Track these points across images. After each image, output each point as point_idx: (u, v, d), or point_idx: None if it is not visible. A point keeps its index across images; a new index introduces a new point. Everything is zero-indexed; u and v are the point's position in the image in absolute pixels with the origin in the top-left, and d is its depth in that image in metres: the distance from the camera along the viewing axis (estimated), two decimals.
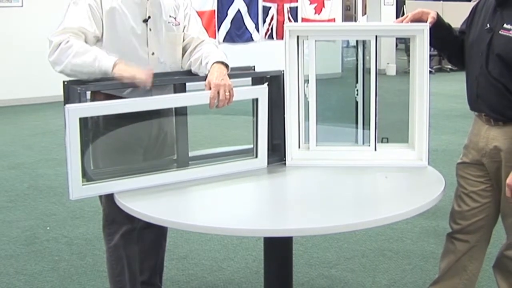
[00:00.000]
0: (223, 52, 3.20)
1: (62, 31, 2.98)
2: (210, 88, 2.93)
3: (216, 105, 2.93)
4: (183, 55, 3.31)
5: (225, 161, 3.17)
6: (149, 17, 3.14)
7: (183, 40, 3.30)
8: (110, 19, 3.06)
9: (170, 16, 3.21)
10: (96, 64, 2.87)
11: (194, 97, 3.00)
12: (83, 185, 2.79)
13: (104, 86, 2.96)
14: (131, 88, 2.98)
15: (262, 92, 3.08)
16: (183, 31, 3.28)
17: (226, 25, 13.92)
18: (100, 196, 3.21)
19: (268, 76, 3.17)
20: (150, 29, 3.15)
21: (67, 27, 2.99)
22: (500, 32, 2.96)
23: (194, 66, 3.20)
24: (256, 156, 3.17)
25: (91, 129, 2.90)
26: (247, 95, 3.08)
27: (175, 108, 3.08)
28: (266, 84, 3.10)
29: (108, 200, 3.05)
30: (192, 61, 3.23)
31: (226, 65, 3.08)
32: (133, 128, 3.10)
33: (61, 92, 2.88)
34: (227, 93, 2.94)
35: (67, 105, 2.70)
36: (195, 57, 3.22)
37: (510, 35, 2.91)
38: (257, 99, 3.08)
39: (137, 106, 2.90)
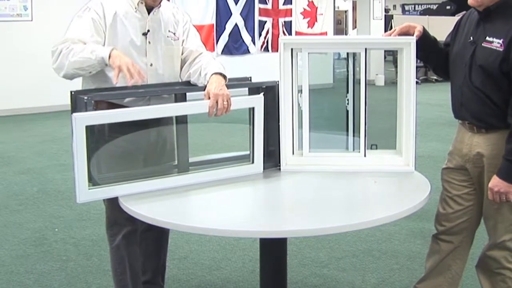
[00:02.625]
0: (221, 63, 3.21)
1: (64, 40, 3.02)
2: (209, 98, 2.94)
3: (215, 113, 2.94)
4: (182, 67, 3.32)
5: (223, 166, 3.17)
6: (148, 31, 3.16)
7: (183, 53, 3.31)
8: (112, 31, 3.09)
9: (169, 31, 3.24)
10: (93, 56, 2.91)
11: (194, 106, 3.00)
12: (89, 189, 2.78)
13: (109, 96, 2.96)
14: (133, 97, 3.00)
15: (258, 101, 3.09)
16: (182, 45, 3.30)
17: (224, 38, 13.97)
18: (104, 199, 3.21)
19: (264, 87, 3.17)
20: (149, 42, 3.17)
21: (68, 38, 3.03)
22: (482, 44, 2.97)
23: (193, 77, 3.20)
24: (253, 162, 3.17)
25: (95, 136, 2.89)
26: (244, 104, 3.08)
27: (176, 117, 3.09)
28: (262, 94, 3.10)
29: (110, 203, 3.05)
30: (191, 72, 3.23)
31: (224, 76, 3.09)
32: (133, 135, 3.10)
33: (69, 102, 2.88)
34: (225, 103, 2.95)
35: (74, 114, 2.69)
36: (194, 68, 3.22)
37: (492, 47, 2.92)
38: (253, 108, 3.08)
39: (141, 114, 2.91)
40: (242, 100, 3.07)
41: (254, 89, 3.20)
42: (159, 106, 2.99)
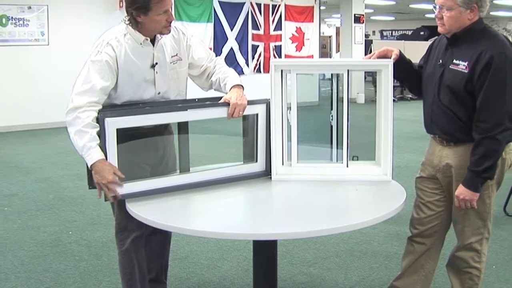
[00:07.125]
0: (233, 71, 3.29)
1: (82, 93, 2.89)
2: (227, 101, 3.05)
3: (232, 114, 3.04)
4: (199, 79, 3.33)
5: (229, 165, 3.22)
6: (156, 63, 3.09)
7: (200, 67, 3.28)
8: (125, 70, 3.00)
9: (172, 57, 3.15)
10: (82, 153, 2.80)
11: (216, 111, 3.05)
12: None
13: (120, 113, 2.94)
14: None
15: (261, 108, 3.17)
16: (188, 59, 3.24)
17: None
18: (113, 206, 3.21)
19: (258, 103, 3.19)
20: (156, 72, 3.10)
21: (85, 90, 2.90)
22: (450, 66, 2.99)
23: (215, 85, 3.27)
24: (256, 161, 3.21)
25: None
26: (251, 111, 3.13)
27: (179, 124, 3.10)
28: (265, 103, 3.17)
29: (121, 209, 3.03)
30: (212, 81, 3.28)
31: (242, 86, 3.16)
32: (143, 150, 3.11)
33: None
34: (241, 112, 3.04)
35: (106, 118, 2.72)
36: (214, 78, 3.26)
37: (458, 69, 2.94)
38: (257, 114, 3.16)
39: (167, 119, 3.01)
40: (249, 107, 3.11)
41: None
42: (184, 112, 3.02)
